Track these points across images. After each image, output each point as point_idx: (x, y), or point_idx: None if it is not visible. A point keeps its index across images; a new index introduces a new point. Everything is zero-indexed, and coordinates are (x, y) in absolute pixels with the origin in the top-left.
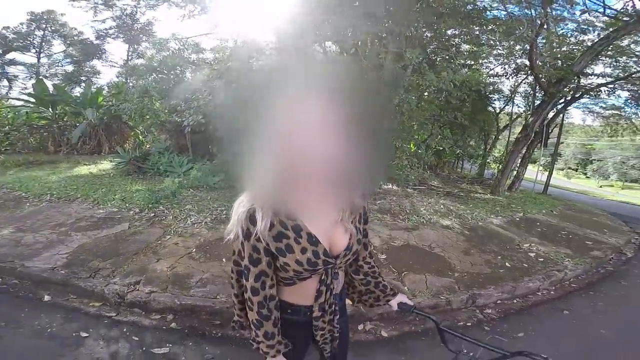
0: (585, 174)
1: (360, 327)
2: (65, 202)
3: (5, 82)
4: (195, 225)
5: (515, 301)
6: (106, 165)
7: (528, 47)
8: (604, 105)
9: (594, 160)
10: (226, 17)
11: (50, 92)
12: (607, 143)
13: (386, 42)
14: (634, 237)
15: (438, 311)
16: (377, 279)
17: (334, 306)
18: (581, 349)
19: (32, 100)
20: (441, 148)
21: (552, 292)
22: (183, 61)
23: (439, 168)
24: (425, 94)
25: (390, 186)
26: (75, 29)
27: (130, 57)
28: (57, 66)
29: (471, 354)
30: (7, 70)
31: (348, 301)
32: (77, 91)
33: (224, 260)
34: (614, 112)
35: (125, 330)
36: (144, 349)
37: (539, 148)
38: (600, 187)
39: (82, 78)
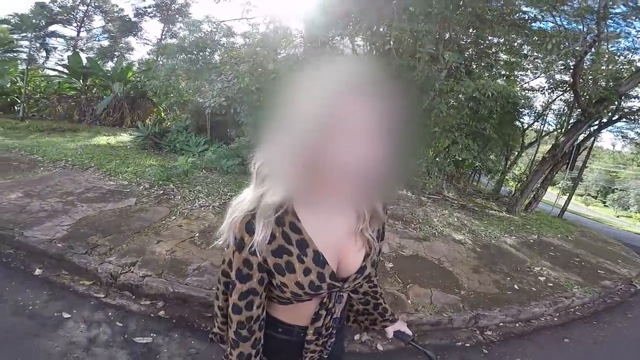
0: (604, 202)
1: (357, 337)
2: (79, 170)
3: (44, 53)
4: (203, 208)
5: (517, 325)
6: (125, 137)
7: (573, 63)
8: None
9: (616, 189)
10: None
11: (84, 64)
12: (634, 172)
13: (422, 42)
14: None
15: (439, 329)
16: (377, 300)
17: (331, 329)
18: None
19: (66, 71)
20: (461, 159)
21: (555, 319)
22: (213, 44)
23: (456, 179)
24: (452, 101)
25: (405, 192)
26: (117, 5)
27: (164, 36)
28: (95, 40)
29: None
30: (47, 42)
31: None
32: (110, 66)
33: (225, 249)
34: None
35: (110, 314)
36: (125, 336)
37: (562, 170)
38: (618, 217)
39: (115, 53)
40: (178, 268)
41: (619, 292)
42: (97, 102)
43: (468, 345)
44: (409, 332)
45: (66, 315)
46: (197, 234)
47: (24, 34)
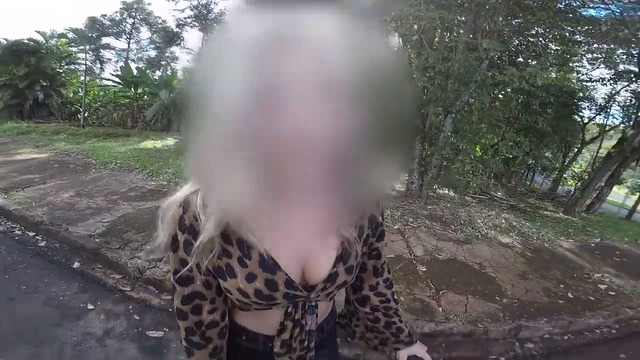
0: None
1: None
2: (125, 172)
3: (99, 64)
4: None
5: (566, 337)
6: (170, 141)
7: (637, 51)
8: None
9: None
10: None
11: (134, 74)
12: None
13: (457, 32)
14: None
15: (471, 340)
16: (390, 317)
17: (306, 342)
18: None
19: (119, 81)
20: (511, 156)
21: (613, 331)
22: None
23: (505, 178)
24: (501, 95)
25: (447, 191)
26: (160, 17)
27: (203, 45)
28: (143, 51)
29: None
30: (102, 54)
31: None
32: (157, 74)
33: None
34: None
35: (130, 307)
36: (139, 329)
37: (632, 167)
38: None
39: (162, 63)
40: None
41: None
42: (147, 109)
43: (503, 358)
44: (428, 359)
45: (90, 307)
46: None
47: (81, 47)
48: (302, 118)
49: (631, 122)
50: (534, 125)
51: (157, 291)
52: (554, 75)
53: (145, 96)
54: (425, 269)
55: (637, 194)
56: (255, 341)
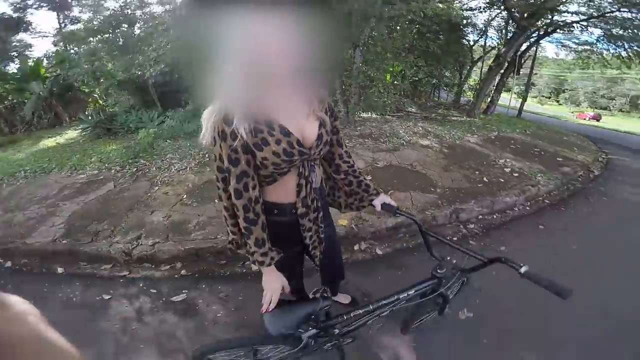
0: (558, 101)
1: (356, 247)
2: (42, 175)
3: None
4: (181, 172)
5: (495, 216)
6: (72, 133)
7: None
8: (576, 41)
9: (566, 89)
10: None
11: None
12: (579, 75)
13: None
14: (601, 156)
15: (426, 228)
16: (358, 177)
17: (315, 202)
18: (556, 263)
19: None
20: (417, 78)
21: (527, 208)
22: (128, 19)
23: (416, 97)
24: (398, 27)
25: (369, 114)
26: None
27: (63, 25)
28: None
29: (454, 261)
30: None
31: (335, 210)
32: (13, 68)
33: (216, 201)
34: (586, 47)
35: (141, 285)
36: (163, 299)
37: (512, 77)
38: (572, 112)
39: (12, 54)
40: (180, 229)
41: (580, 178)
42: (21, 108)
43: (455, 238)
44: (394, 203)
45: (107, 297)
46: (185, 196)
47: None
48: (281, 45)
49: (503, 41)
50: (428, 50)
51: (153, 265)
52: (440, 6)
53: (9, 95)
54: (370, 178)
55: (521, 97)
56: (284, 212)
